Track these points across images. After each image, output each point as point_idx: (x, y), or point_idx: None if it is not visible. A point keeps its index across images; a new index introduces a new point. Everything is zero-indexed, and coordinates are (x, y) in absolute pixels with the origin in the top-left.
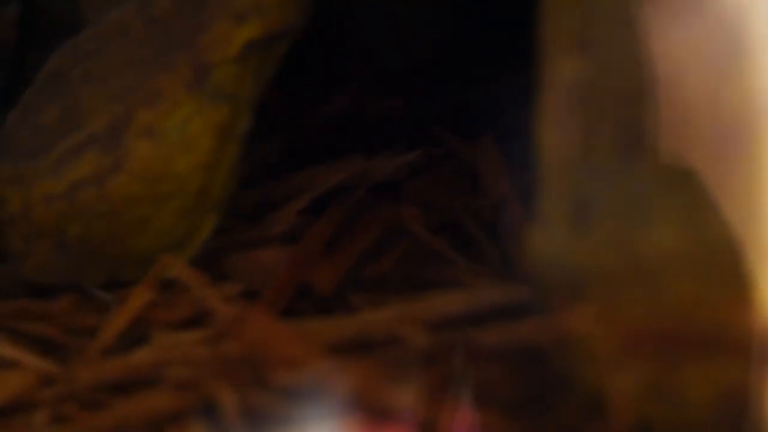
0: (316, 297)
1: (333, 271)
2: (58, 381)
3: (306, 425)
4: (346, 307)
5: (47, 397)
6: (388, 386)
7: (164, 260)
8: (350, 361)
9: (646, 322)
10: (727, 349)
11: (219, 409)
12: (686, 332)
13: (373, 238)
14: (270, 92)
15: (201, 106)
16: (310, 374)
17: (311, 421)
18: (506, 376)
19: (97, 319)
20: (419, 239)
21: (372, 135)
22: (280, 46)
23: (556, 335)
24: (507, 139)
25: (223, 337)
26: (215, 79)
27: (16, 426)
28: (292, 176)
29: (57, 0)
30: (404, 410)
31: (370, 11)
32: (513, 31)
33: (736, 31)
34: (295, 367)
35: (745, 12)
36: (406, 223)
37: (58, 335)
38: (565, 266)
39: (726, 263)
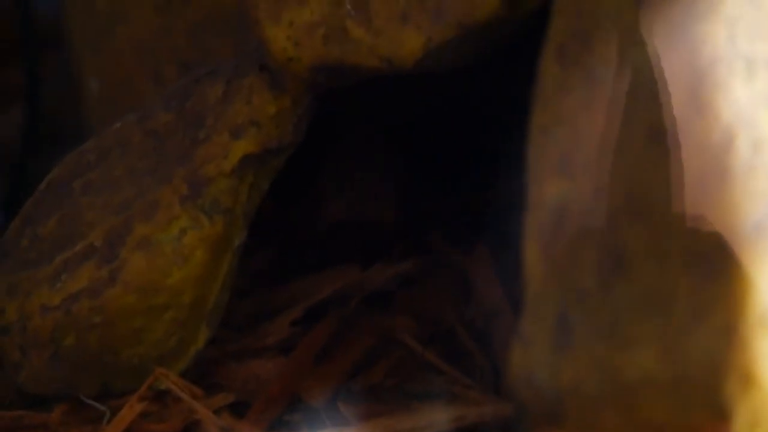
0: (308, 408)
1: (325, 381)
2: None
3: None
4: (336, 418)
5: None
6: None
7: (157, 372)
8: None
9: None
10: None
11: None
12: None
13: (365, 348)
14: (264, 203)
15: (196, 219)
16: None
17: None
18: None
19: (92, 429)
20: (411, 350)
21: (365, 245)
22: (275, 161)
23: None
24: (501, 248)
25: None
26: (211, 193)
27: None
28: (286, 286)
29: (61, 107)
30: None
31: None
32: (507, 139)
33: (720, 155)
34: None
35: (731, 138)
36: (398, 334)
37: None
38: (546, 386)
39: (702, 387)
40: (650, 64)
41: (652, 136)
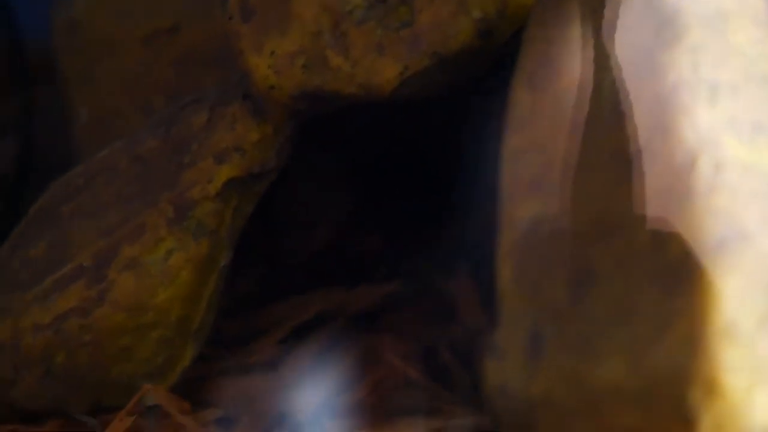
0: (293, 424)
1: (310, 398)
2: None
3: None
4: None
5: None
6: None
7: (146, 387)
8: None
9: None
10: None
11: None
12: None
13: (350, 366)
14: (252, 227)
15: (182, 241)
16: None
17: None
18: None
19: None
20: (395, 367)
21: (351, 267)
22: (259, 185)
23: None
24: (484, 270)
25: None
26: (196, 215)
27: None
28: (273, 306)
29: (53, 137)
30: None
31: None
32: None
33: (684, 175)
34: None
35: (693, 159)
36: (382, 352)
37: None
38: (519, 397)
39: (668, 396)
40: (617, 89)
41: (618, 158)
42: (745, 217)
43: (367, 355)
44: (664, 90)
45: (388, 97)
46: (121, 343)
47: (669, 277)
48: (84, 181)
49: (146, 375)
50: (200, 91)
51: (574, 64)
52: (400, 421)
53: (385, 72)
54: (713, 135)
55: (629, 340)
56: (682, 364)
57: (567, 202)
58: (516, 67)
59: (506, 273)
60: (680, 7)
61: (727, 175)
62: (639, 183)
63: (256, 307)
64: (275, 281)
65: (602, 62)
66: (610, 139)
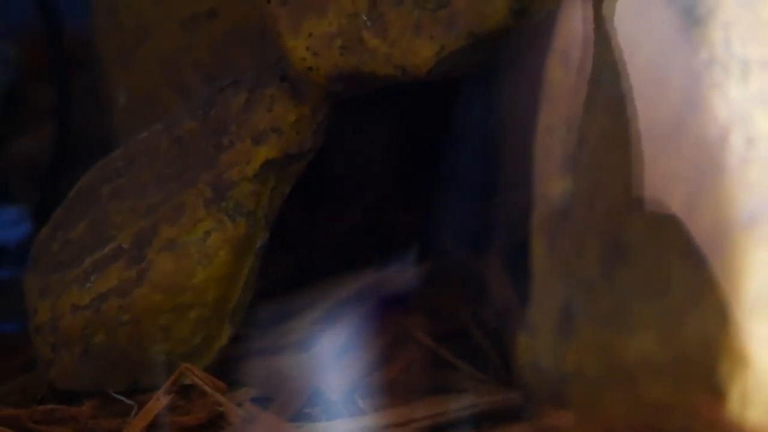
0: (327, 402)
1: (343, 377)
2: None
3: None
4: (354, 410)
5: None
6: None
7: (183, 367)
8: None
9: (624, 425)
10: None
11: None
12: None
13: (382, 346)
14: (286, 208)
15: (220, 222)
16: None
17: None
18: None
19: (120, 423)
20: (426, 347)
21: (383, 248)
22: (296, 166)
23: None
24: (515, 250)
25: None
26: (234, 196)
27: None
28: (307, 288)
29: (91, 120)
30: None
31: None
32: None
33: (716, 150)
34: None
35: (726, 134)
36: (413, 332)
37: None
38: (551, 372)
39: (699, 368)
40: (649, 66)
41: (650, 134)
42: None
43: (399, 334)
44: (697, 66)
45: (424, 78)
46: (159, 323)
47: (700, 251)
48: (124, 162)
49: (183, 355)
50: (238, 74)
51: (607, 43)
52: (432, 400)
53: (422, 52)
54: (745, 110)
55: (660, 313)
56: (712, 336)
57: (599, 178)
58: (550, 46)
59: (539, 249)
60: None
61: (759, 150)
62: (671, 158)
63: (290, 288)
64: (309, 262)
65: (634, 40)
66: (642, 115)
